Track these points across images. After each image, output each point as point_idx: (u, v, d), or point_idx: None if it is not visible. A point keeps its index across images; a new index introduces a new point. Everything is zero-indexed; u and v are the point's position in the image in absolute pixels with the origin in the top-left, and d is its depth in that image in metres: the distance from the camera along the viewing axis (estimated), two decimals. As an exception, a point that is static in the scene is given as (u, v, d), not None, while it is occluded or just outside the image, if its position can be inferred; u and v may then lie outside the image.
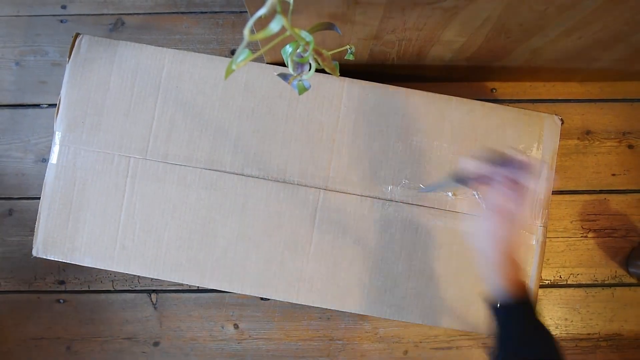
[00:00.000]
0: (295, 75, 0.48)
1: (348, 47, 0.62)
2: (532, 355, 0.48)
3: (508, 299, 0.51)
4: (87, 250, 0.72)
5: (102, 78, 0.73)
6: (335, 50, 0.60)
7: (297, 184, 0.72)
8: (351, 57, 0.63)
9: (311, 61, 0.47)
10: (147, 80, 0.73)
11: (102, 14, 0.94)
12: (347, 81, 0.74)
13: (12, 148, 0.92)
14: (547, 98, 0.93)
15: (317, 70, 0.49)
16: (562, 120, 0.75)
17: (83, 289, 0.91)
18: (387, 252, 0.73)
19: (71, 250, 0.72)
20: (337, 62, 0.50)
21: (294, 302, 0.72)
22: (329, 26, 0.53)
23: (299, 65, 0.47)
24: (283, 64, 0.63)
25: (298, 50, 0.47)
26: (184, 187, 0.72)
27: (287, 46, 0.47)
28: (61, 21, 0.94)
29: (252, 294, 0.73)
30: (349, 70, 0.84)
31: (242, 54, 0.38)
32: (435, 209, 0.73)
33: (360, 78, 0.89)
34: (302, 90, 0.51)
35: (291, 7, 0.43)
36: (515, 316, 0.51)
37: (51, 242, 0.72)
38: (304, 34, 0.43)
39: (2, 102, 0.92)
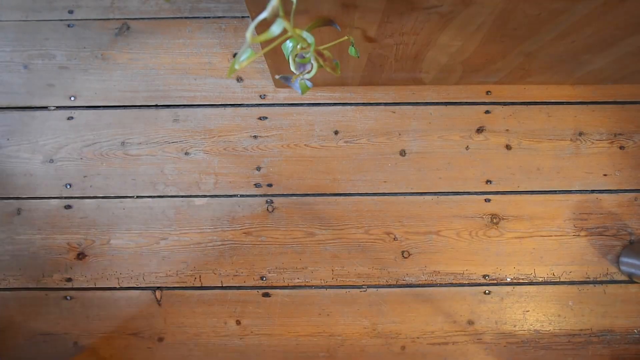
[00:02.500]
0: (297, 74, 0.48)
1: (347, 37, 0.62)
2: None
3: None
4: None
5: None
6: (334, 42, 0.60)
7: None
8: (353, 52, 0.63)
9: (313, 61, 0.47)
10: None
11: (108, 19, 0.94)
12: None
13: (21, 149, 0.92)
14: (541, 100, 0.93)
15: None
16: None
17: (90, 286, 0.91)
18: None
19: None
20: (338, 62, 0.50)
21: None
22: (328, 22, 0.53)
23: (301, 65, 0.47)
24: (285, 70, 0.63)
25: (300, 52, 0.47)
26: None
27: (288, 41, 0.47)
28: (68, 25, 0.94)
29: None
30: (348, 75, 0.85)
31: (245, 54, 0.38)
32: None
33: (359, 83, 0.90)
34: (305, 89, 0.51)
35: (294, 8, 0.43)
36: None
37: None
38: (306, 34, 0.43)
39: (11, 105, 0.93)
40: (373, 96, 0.93)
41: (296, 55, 0.47)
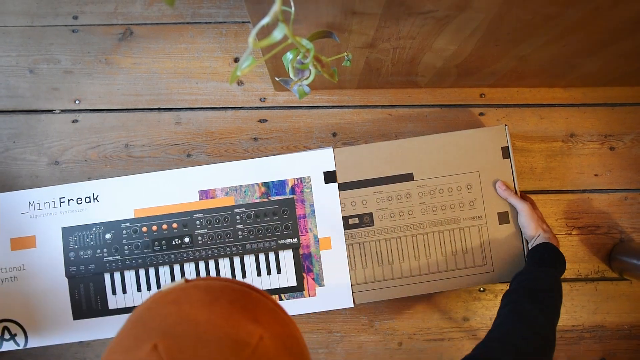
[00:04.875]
0: (295, 80, 0.48)
1: (345, 54, 0.62)
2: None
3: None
4: None
5: None
6: (334, 57, 0.60)
7: None
8: (348, 64, 0.63)
9: (311, 67, 0.47)
10: None
11: (112, 24, 0.93)
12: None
13: (27, 151, 0.92)
14: (533, 103, 0.93)
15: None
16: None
17: (94, 285, 0.91)
18: None
19: None
20: (336, 69, 0.50)
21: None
22: (328, 34, 0.53)
23: (300, 71, 0.47)
24: (285, 74, 0.63)
25: (298, 57, 0.47)
26: None
27: (288, 53, 0.47)
28: (73, 31, 0.93)
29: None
30: (346, 79, 0.85)
31: (247, 61, 0.38)
32: None
33: (356, 87, 0.89)
34: (303, 94, 0.51)
35: (292, 17, 0.43)
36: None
37: None
38: (305, 41, 0.43)
39: (17, 108, 0.92)
40: (370, 99, 0.93)
41: (295, 62, 0.47)
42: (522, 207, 0.78)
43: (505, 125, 0.81)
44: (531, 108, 0.93)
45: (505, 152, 0.80)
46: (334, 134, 0.92)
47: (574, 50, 0.70)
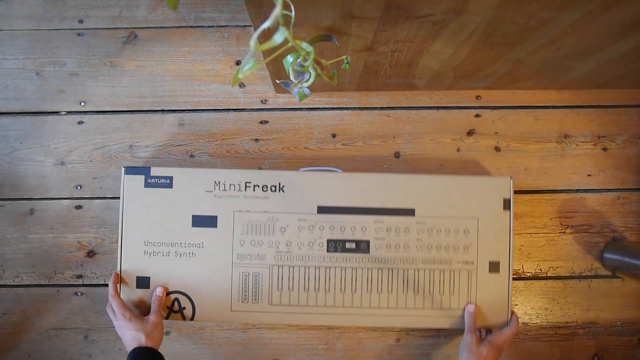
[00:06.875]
0: (296, 82, 0.48)
1: (344, 57, 0.62)
2: None
3: None
4: None
5: None
6: (333, 60, 0.60)
7: None
8: (347, 67, 0.63)
9: (311, 70, 0.46)
10: None
11: (117, 28, 0.93)
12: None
13: (33, 152, 0.91)
14: (528, 104, 0.93)
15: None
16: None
17: (99, 283, 0.90)
18: None
19: None
20: (335, 71, 0.50)
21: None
22: (327, 38, 0.53)
23: (300, 73, 0.47)
24: (285, 76, 0.63)
25: (299, 60, 0.47)
26: None
27: (289, 56, 0.47)
28: (78, 34, 0.93)
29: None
30: (345, 81, 0.84)
31: (248, 64, 0.38)
32: None
33: (355, 89, 0.89)
34: (303, 96, 0.51)
35: (292, 20, 0.43)
36: None
37: None
38: (305, 45, 0.43)
39: (24, 110, 0.92)
40: (369, 101, 0.93)
41: (295, 65, 0.46)
42: (469, 339, 0.76)
43: (510, 177, 0.81)
44: (526, 110, 0.93)
45: (507, 204, 0.80)
46: (334, 135, 0.92)
47: (567, 53, 0.70)
